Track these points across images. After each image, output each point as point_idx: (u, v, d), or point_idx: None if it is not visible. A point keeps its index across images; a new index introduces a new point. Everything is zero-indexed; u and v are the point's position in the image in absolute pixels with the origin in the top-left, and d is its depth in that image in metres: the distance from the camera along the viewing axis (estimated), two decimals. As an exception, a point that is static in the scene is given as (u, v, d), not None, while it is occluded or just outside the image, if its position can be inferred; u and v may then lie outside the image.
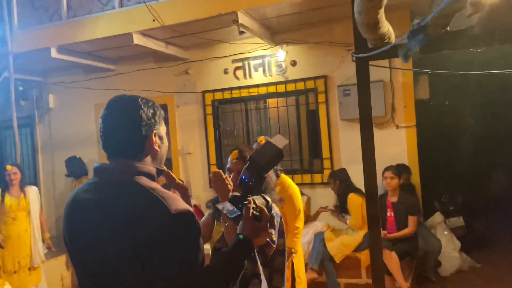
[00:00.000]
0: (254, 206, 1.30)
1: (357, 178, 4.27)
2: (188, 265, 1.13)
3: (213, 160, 5.47)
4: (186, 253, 1.14)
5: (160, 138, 1.32)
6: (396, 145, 4.68)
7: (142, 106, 1.27)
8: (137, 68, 5.67)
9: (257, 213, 1.29)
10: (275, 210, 1.90)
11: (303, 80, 5.02)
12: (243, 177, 1.35)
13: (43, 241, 4.45)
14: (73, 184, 5.35)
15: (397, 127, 4.69)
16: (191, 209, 1.21)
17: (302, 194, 4.65)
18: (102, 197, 1.21)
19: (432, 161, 5.38)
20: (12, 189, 4.13)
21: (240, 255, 1.24)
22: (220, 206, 1.33)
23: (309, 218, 4.66)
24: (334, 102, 4.90)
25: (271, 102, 5.39)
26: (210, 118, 5.48)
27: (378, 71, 4.19)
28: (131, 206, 1.15)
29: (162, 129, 1.33)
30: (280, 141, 1.38)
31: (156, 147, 1.30)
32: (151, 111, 1.29)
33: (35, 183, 5.81)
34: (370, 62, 2.39)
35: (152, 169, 1.28)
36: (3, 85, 5.19)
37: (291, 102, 5.24)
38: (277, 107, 5.29)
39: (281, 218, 1.89)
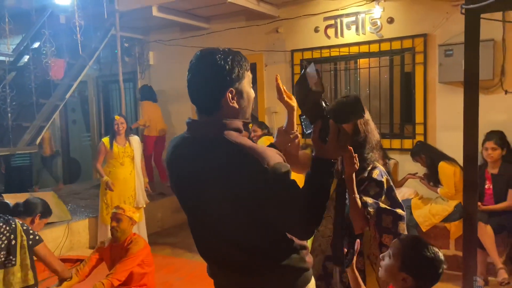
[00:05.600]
0: (321, 127, 1.23)
1: (452, 146, 3.97)
2: (291, 203, 1.19)
3: (298, 120, 5.46)
4: (285, 195, 1.19)
5: (239, 94, 1.27)
6: (502, 112, 4.23)
7: (219, 62, 1.23)
8: (229, 27, 5.79)
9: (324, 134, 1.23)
10: (380, 168, 1.85)
11: (400, 38, 4.70)
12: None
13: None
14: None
15: (506, 92, 4.22)
16: (280, 158, 1.25)
17: (389, 158, 4.52)
18: (196, 152, 1.28)
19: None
20: (119, 137, 4.59)
21: (317, 174, 1.23)
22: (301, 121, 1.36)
23: (396, 184, 4.51)
24: (433, 63, 4.54)
25: (362, 62, 5.17)
26: (298, 78, 5.43)
27: (488, 29, 3.76)
28: (223, 161, 1.21)
29: (244, 83, 1.29)
30: (311, 77, 1.29)
31: (233, 105, 1.26)
32: (228, 67, 1.23)
33: (136, 133, 6.38)
34: (482, 16, 2.16)
35: (238, 123, 1.28)
36: (109, 41, 5.68)
37: (384, 63, 4.97)
38: (369, 67, 5.07)
39: (388, 175, 1.87)
